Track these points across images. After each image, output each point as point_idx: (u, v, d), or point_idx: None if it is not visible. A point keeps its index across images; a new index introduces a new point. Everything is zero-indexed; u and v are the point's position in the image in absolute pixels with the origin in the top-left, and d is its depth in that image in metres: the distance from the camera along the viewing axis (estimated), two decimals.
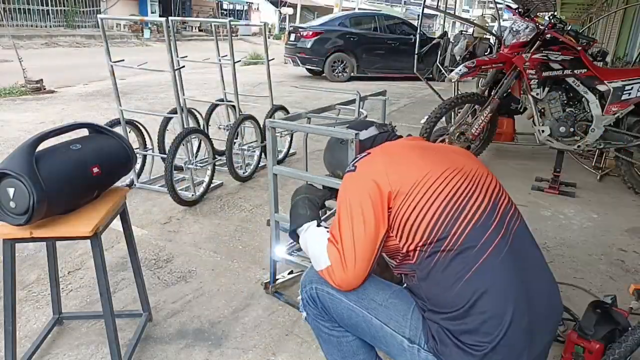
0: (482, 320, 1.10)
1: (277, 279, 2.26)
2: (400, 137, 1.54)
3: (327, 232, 1.33)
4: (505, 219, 1.22)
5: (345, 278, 1.22)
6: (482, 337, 1.10)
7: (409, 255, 1.21)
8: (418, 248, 1.18)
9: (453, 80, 3.99)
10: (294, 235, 1.48)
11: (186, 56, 3.87)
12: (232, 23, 3.70)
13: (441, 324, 1.15)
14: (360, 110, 2.56)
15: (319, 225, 1.41)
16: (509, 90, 3.84)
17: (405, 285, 1.32)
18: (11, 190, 1.33)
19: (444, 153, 1.35)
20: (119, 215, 1.75)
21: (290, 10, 26.32)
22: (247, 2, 28.94)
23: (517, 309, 1.12)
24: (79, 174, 1.49)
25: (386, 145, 1.41)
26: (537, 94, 3.63)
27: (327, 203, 2.02)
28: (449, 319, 1.14)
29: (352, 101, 2.60)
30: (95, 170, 1.52)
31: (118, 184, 1.75)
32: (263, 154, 4.03)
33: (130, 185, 3.47)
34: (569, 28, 3.81)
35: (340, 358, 1.37)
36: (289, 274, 2.33)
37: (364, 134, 1.56)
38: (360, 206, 1.21)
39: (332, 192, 1.65)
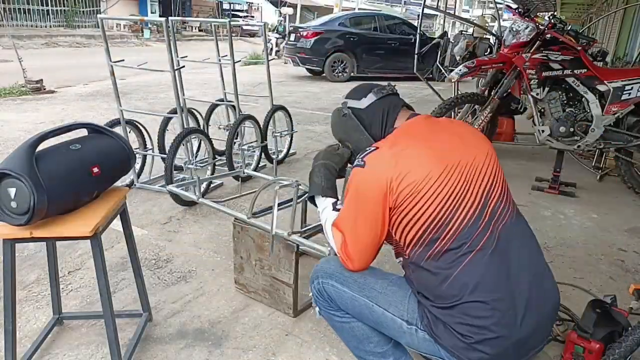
0: (469, 314, 1.18)
1: None
2: (402, 103, 1.48)
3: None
4: (493, 218, 1.26)
5: (350, 267, 1.37)
6: (470, 329, 1.18)
7: (404, 249, 1.31)
8: (411, 245, 1.27)
9: (453, 80, 3.99)
10: (312, 200, 1.59)
11: (186, 56, 3.87)
12: (232, 23, 3.70)
13: (431, 311, 1.24)
14: None
15: (334, 209, 1.48)
16: (509, 90, 3.84)
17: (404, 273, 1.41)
18: (12, 191, 1.33)
19: (449, 140, 1.34)
20: (119, 215, 1.75)
21: (290, 10, 26.30)
22: (247, 2, 28.94)
23: (503, 304, 1.18)
24: (79, 174, 1.49)
25: (395, 136, 1.37)
26: (537, 94, 3.63)
27: None
28: (438, 308, 1.23)
29: None
30: (95, 170, 1.52)
31: (118, 183, 1.75)
32: (263, 154, 4.03)
33: (130, 185, 3.47)
34: (569, 28, 3.81)
35: (357, 343, 1.47)
36: None
37: (364, 102, 1.48)
38: (366, 205, 1.29)
39: (350, 158, 1.62)
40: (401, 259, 1.38)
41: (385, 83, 1.55)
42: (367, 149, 1.33)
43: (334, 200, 1.53)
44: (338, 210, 1.46)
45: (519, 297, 1.20)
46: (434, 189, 1.23)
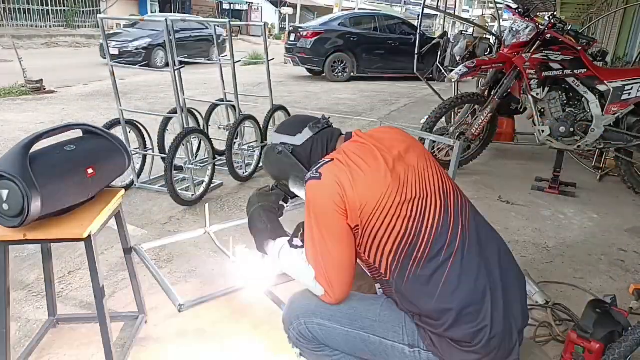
0: (461, 320, 1.16)
1: None
2: (338, 132, 1.41)
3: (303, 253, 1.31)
4: (458, 216, 1.24)
5: (331, 297, 1.26)
6: (466, 334, 1.16)
7: (382, 272, 1.24)
8: (389, 265, 1.21)
9: (453, 80, 3.99)
10: (262, 251, 1.47)
11: (186, 56, 3.87)
12: (232, 23, 3.70)
13: (427, 328, 1.21)
14: None
15: (292, 246, 1.36)
16: (509, 90, 3.84)
17: (383, 293, 1.34)
18: (4, 192, 1.31)
19: (391, 151, 1.28)
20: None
21: (290, 10, 26.31)
22: (247, 2, 28.93)
23: (492, 296, 1.18)
24: (74, 175, 1.47)
25: (346, 149, 1.28)
26: (537, 94, 3.63)
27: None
28: (431, 325, 1.19)
29: None
30: (90, 171, 1.51)
31: (118, 183, 1.75)
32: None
33: (131, 185, 3.47)
34: (569, 28, 3.80)
35: None
36: None
37: (300, 138, 1.38)
38: (330, 221, 1.20)
39: (286, 192, 1.55)
40: (380, 285, 1.31)
41: (319, 115, 1.46)
42: (320, 161, 1.25)
43: (287, 238, 1.41)
44: (296, 246, 1.35)
45: (500, 290, 1.21)
46: (397, 203, 1.19)
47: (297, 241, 1.38)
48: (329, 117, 1.46)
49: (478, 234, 1.26)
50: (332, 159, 1.24)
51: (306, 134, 1.38)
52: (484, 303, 1.17)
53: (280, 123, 1.49)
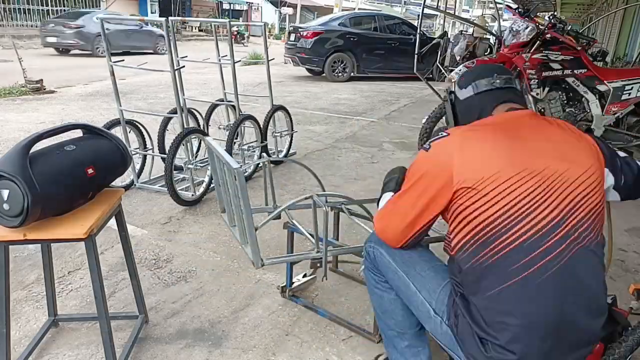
0: (501, 335, 1.13)
1: (293, 283, 2.23)
2: (505, 98, 1.36)
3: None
4: (566, 239, 1.14)
5: (381, 231, 1.38)
6: (496, 348, 1.14)
7: (452, 245, 1.25)
8: (461, 243, 1.21)
9: (453, 80, 3.99)
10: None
11: (186, 56, 3.87)
12: (232, 23, 3.70)
13: (466, 316, 1.20)
14: None
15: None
16: None
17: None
18: (5, 192, 1.32)
19: (540, 144, 1.22)
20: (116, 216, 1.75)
21: (290, 10, 26.34)
22: (247, 2, 28.93)
23: (540, 336, 1.12)
24: (74, 175, 1.47)
25: (471, 127, 1.29)
26: (537, 94, 3.63)
27: None
28: (472, 318, 1.19)
29: None
30: (90, 171, 1.51)
31: (118, 183, 1.75)
32: (263, 153, 4.04)
33: (131, 185, 3.47)
34: (569, 28, 3.81)
35: (381, 313, 1.54)
36: (303, 277, 2.32)
37: (464, 93, 1.42)
38: (417, 185, 1.27)
39: None
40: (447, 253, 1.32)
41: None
42: (440, 133, 1.29)
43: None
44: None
45: (560, 335, 1.14)
46: (499, 190, 1.13)
47: None
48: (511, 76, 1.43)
49: (573, 270, 1.14)
50: (449, 134, 1.26)
51: (469, 91, 1.41)
52: (525, 338, 1.11)
53: (473, 69, 1.54)
